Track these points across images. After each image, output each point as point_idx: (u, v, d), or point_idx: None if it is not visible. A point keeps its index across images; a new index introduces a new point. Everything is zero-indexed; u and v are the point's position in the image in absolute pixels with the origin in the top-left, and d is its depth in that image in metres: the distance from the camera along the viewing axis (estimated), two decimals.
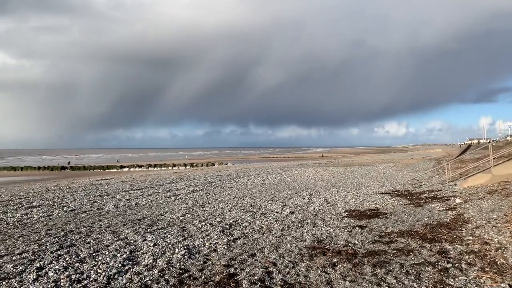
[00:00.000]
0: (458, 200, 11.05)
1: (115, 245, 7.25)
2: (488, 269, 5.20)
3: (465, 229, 7.63)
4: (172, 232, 8.31)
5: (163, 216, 10.45)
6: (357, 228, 8.35)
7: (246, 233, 8.16)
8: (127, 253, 6.73)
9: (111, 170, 52.92)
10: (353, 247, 6.70)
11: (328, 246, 6.80)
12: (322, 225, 8.80)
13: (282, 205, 12.04)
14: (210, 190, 16.95)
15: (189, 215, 10.54)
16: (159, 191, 16.45)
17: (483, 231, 7.22)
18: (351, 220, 9.42)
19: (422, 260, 5.77)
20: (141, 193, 15.83)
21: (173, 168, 53.94)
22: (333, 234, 7.87)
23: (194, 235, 8.10)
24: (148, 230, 8.65)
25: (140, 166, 57.56)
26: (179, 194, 15.36)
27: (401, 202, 12.15)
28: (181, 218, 10.18)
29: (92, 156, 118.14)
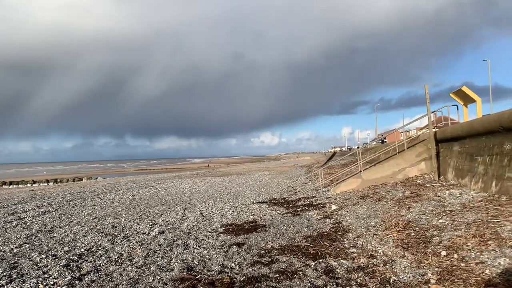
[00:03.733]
0: (334, 207, 10.87)
1: None
2: None
3: (347, 239, 7.15)
4: None
5: None
6: (234, 246, 7.30)
7: (99, 266, 6.47)
8: None
9: None
10: (229, 274, 5.59)
11: (199, 276, 5.56)
12: (195, 246, 7.55)
13: (151, 223, 10.47)
14: (66, 210, 14.38)
15: (28, 245, 8.31)
16: None
17: (365, 241, 6.78)
18: (228, 236, 8.37)
19: (309, 284, 4.91)
20: None
21: (33, 185, 46.99)
22: (207, 257, 6.69)
23: (26, 274, 6.14)
24: None
25: None
26: (24, 217, 12.59)
27: (278, 211, 11.60)
28: (15, 250, 7.93)
29: None
